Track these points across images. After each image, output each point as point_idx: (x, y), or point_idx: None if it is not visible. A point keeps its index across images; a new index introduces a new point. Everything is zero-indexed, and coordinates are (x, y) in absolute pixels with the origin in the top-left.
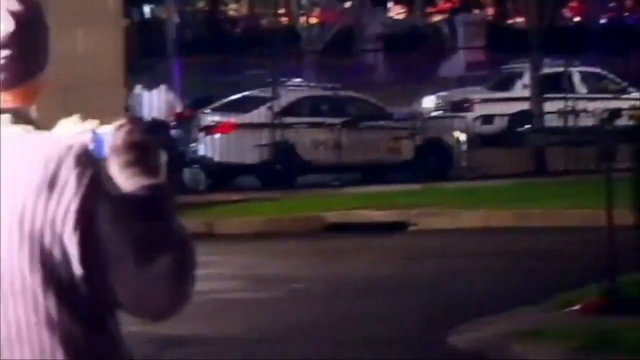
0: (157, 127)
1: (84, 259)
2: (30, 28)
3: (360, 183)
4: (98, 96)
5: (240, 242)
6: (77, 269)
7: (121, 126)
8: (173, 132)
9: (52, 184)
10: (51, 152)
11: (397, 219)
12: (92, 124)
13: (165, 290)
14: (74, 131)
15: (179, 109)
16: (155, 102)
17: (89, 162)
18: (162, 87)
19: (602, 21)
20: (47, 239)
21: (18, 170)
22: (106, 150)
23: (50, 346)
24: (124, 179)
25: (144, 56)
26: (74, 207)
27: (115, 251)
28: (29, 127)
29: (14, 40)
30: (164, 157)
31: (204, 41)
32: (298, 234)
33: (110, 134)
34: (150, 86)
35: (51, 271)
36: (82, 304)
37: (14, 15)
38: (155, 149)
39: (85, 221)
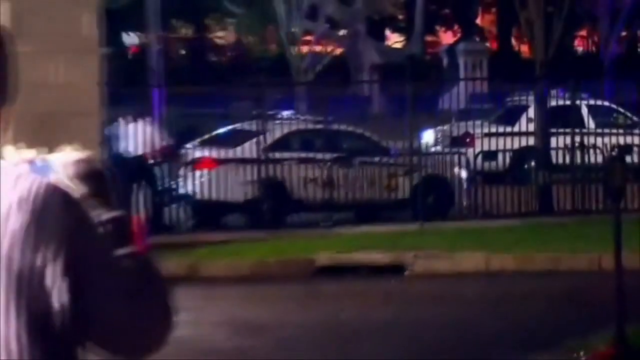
0: (137, 163)
1: (71, 301)
2: None
3: (353, 223)
4: (73, 128)
5: (225, 285)
6: (60, 309)
7: (77, 157)
8: (154, 168)
9: (39, 227)
10: (33, 191)
11: (393, 262)
12: (37, 152)
13: (143, 329)
14: (16, 159)
15: (160, 143)
16: (135, 135)
17: (74, 204)
18: (143, 120)
19: (612, 51)
20: (31, 283)
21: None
22: (50, 179)
23: None
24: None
25: (124, 86)
26: (63, 253)
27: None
28: None
29: None
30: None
31: (187, 71)
32: (287, 277)
33: (59, 163)
34: (130, 118)
35: (30, 312)
36: (57, 343)
37: None
38: (111, 181)
39: (74, 267)
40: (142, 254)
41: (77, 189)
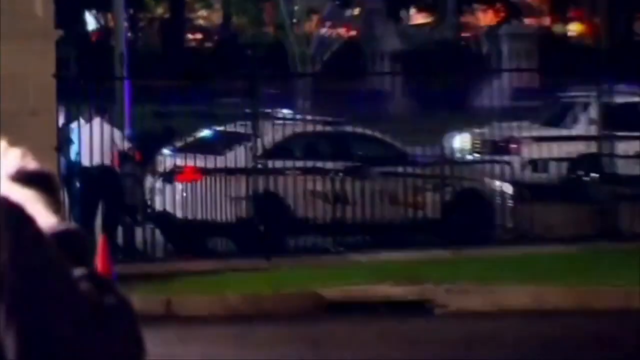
0: (101, 172)
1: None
2: None
3: (370, 249)
4: (21, 129)
5: (209, 326)
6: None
7: (18, 154)
8: (122, 179)
9: None
10: None
11: (417, 297)
12: None
13: None
14: None
15: (129, 148)
16: (98, 139)
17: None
18: (109, 120)
19: None
20: None
21: None
22: None
23: None
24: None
25: (84, 78)
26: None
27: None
28: None
29: None
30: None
31: (163, 59)
32: (287, 316)
33: None
34: (92, 118)
35: None
36: None
37: None
38: (59, 186)
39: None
40: (104, 276)
41: (19, 193)
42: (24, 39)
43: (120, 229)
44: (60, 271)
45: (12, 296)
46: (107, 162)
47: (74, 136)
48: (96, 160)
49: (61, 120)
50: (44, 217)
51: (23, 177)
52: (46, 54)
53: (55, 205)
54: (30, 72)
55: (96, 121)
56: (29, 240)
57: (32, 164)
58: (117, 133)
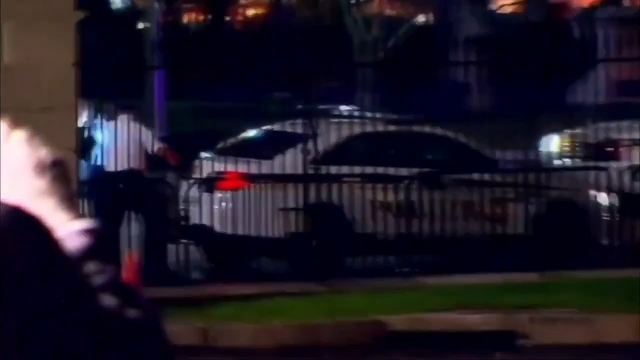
0: (129, 179)
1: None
2: None
3: (443, 270)
4: (36, 126)
5: (254, 359)
6: None
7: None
8: (154, 187)
9: None
10: None
11: (500, 327)
12: None
13: None
14: None
15: (156, 150)
16: (126, 139)
17: (40, 233)
18: (138, 118)
19: None
20: None
21: None
22: None
23: None
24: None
25: (110, 68)
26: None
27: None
28: None
29: None
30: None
31: (201, 46)
32: (346, 347)
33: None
34: (118, 114)
35: None
36: None
37: None
38: (71, 176)
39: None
40: (129, 285)
41: (29, 185)
42: (38, 22)
43: (149, 246)
44: (79, 286)
45: (24, 313)
46: (133, 166)
47: (97, 136)
48: (121, 165)
49: (82, 118)
50: (59, 214)
51: (34, 166)
52: (64, 40)
53: (70, 198)
54: (45, 61)
55: (122, 118)
56: (44, 255)
57: (42, 151)
58: (146, 133)
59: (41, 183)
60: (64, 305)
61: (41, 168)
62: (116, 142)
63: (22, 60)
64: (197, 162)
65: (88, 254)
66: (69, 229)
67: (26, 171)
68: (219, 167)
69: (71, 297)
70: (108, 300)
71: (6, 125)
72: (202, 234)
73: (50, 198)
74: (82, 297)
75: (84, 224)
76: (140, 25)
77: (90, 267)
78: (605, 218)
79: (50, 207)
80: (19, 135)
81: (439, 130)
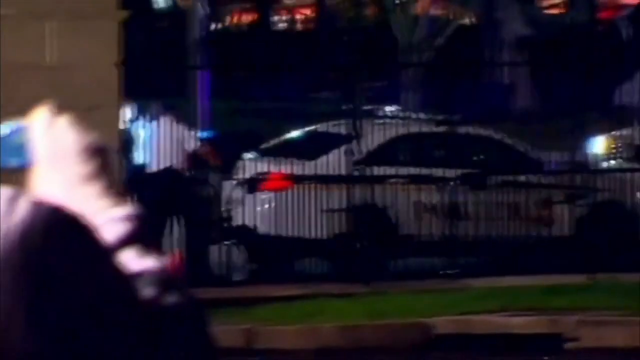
0: (170, 179)
1: None
2: None
3: (488, 272)
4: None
5: None
6: None
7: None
8: (195, 187)
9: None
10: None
11: (547, 330)
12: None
13: None
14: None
15: (198, 151)
16: (168, 138)
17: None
18: (179, 117)
19: None
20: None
21: None
22: (29, 153)
23: None
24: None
25: (152, 67)
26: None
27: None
28: None
29: None
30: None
31: (245, 46)
32: (390, 350)
33: (39, 129)
34: (159, 114)
35: None
36: None
37: None
38: (113, 162)
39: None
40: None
41: (76, 170)
42: (82, 21)
43: (192, 246)
44: (120, 284)
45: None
46: (176, 167)
47: (139, 136)
48: (163, 165)
49: (125, 118)
50: (103, 200)
51: (80, 151)
52: (108, 39)
53: (113, 185)
54: (88, 60)
55: (164, 118)
56: (86, 255)
57: (88, 137)
58: (188, 133)
59: (87, 168)
60: (104, 303)
61: (88, 153)
62: (159, 142)
63: (66, 60)
64: (240, 163)
65: (130, 239)
66: (112, 215)
67: (73, 156)
68: (262, 167)
69: (112, 294)
70: (148, 290)
71: (51, 111)
72: (245, 235)
73: (95, 183)
74: (122, 294)
75: (127, 210)
76: (184, 25)
77: (132, 252)
78: None
79: (94, 193)
80: (64, 121)
81: (484, 131)
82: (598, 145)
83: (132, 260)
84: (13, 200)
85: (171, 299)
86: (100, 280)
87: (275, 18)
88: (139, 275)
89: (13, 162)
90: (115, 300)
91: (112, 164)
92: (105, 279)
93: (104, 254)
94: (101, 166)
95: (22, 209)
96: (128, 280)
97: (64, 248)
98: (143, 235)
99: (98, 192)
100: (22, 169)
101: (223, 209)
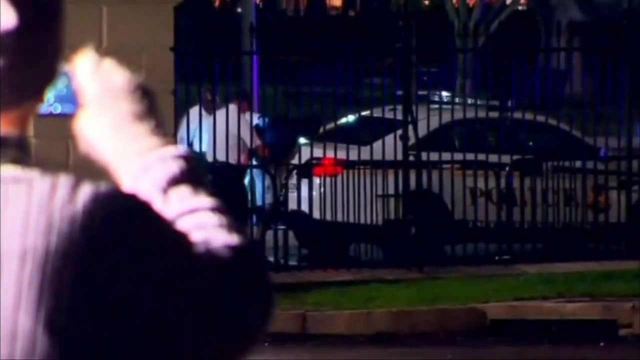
0: (228, 167)
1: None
2: (41, 27)
3: (543, 258)
4: None
5: (350, 347)
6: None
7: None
8: (246, 171)
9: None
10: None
11: (601, 316)
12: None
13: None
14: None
15: (257, 142)
16: (222, 126)
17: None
18: (234, 104)
19: None
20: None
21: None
22: (78, 97)
23: None
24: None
25: (205, 53)
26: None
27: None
28: (32, 168)
29: (15, 42)
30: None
31: (299, 31)
32: (442, 335)
33: (86, 71)
34: (213, 101)
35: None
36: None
37: (20, 5)
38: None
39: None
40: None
41: (129, 107)
42: (137, 5)
43: (247, 232)
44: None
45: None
46: (232, 155)
47: (194, 123)
48: (220, 152)
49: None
50: (155, 139)
51: (133, 90)
52: (163, 24)
53: (163, 125)
54: (144, 45)
55: (230, 106)
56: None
57: (136, 77)
58: (244, 121)
59: (138, 107)
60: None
61: (138, 93)
62: (215, 130)
63: (122, 44)
64: (295, 148)
65: (182, 178)
66: (163, 154)
67: (123, 95)
68: (317, 153)
69: (177, 271)
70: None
71: (96, 56)
72: (299, 220)
73: (145, 123)
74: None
75: (177, 149)
76: (237, 10)
77: (185, 190)
78: None
79: (144, 132)
80: (111, 62)
81: (536, 117)
82: None
83: (185, 198)
84: (75, 187)
85: (234, 240)
86: (165, 260)
87: (330, 3)
88: (193, 211)
89: (62, 108)
90: (181, 275)
91: (157, 104)
92: (170, 258)
93: (167, 233)
94: (150, 106)
95: (83, 195)
96: (192, 251)
97: (126, 233)
98: (194, 173)
99: (148, 132)
100: (71, 114)
101: (279, 194)
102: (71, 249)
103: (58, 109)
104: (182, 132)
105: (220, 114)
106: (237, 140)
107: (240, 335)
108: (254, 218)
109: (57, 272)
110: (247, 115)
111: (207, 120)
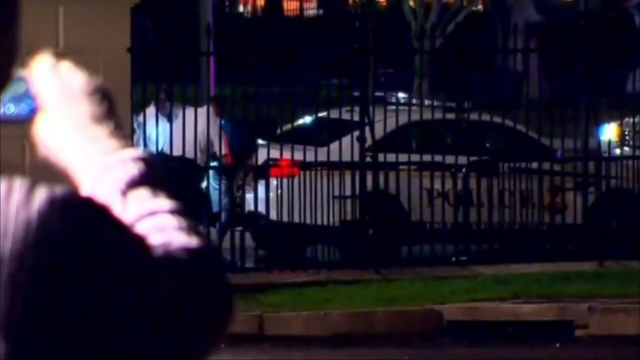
0: (180, 166)
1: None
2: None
3: (499, 259)
4: None
5: (308, 348)
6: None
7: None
8: (205, 173)
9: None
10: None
11: (556, 317)
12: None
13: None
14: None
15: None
16: (175, 126)
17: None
18: (207, 108)
19: None
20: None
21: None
22: (34, 103)
23: None
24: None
25: (161, 53)
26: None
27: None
28: None
29: None
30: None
31: (255, 32)
32: (398, 336)
33: (43, 74)
34: (166, 101)
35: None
36: None
37: None
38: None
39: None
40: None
41: (87, 110)
42: (94, 6)
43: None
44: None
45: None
46: (188, 154)
47: (149, 123)
48: (175, 152)
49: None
50: (114, 141)
51: (91, 92)
52: (119, 24)
53: (122, 128)
54: (100, 46)
55: (201, 111)
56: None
57: (94, 79)
58: (201, 120)
59: (97, 109)
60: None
61: (98, 95)
62: (170, 129)
63: (78, 45)
64: (253, 152)
65: (141, 180)
66: (122, 156)
67: (83, 97)
68: (273, 154)
69: (134, 274)
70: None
71: (53, 59)
72: (255, 222)
73: (105, 125)
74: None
75: (136, 152)
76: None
77: (144, 193)
78: None
79: (104, 134)
80: (68, 65)
81: (496, 118)
82: (610, 132)
83: (145, 201)
84: (30, 191)
85: (193, 242)
86: (122, 263)
87: (286, 4)
88: (152, 213)
89: (17, 109)
90: (139, 278)
91: (116, 105)
92: (127, 262)
93: (124, 236)
94: (109, 108)
95: (39, 199)
96: (150, 254)
97: (81, 237)
98: (153, 176)
99: (108, 134)
100: (28, 118)
101: (235, 195)
102: (26, 254)
103: (11, 109)
104: (138, 132)
105: (190, 114)
106: (206, 143)
107: (201, 337)
108: (211, 220)
109: (11, 276)
110: (218, 120)
111: (162, 121)
